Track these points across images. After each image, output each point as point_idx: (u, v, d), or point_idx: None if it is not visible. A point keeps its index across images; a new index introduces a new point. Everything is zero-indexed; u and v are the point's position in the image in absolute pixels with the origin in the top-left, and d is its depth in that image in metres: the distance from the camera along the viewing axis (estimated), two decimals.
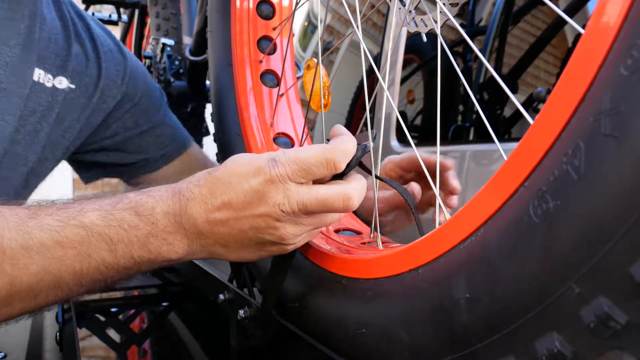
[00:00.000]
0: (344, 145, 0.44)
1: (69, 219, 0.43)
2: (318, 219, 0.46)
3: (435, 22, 0.44)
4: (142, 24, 1.53)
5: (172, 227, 0.44)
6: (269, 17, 0.73)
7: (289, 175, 0.43)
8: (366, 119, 0.51)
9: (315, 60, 0.57)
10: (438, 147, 0.44)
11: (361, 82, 1.30)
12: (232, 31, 0.72)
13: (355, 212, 0.62)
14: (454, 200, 0.67)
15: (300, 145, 0.67)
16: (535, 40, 0.83)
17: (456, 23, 0.40)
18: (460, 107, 0.96)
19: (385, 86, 0.48)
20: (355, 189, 0.45)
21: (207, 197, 0.44)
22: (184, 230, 0.44)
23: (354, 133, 0.47)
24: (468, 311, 0.31)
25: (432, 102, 1.06)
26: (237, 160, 0.46)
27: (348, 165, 0.45)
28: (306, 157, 0.43)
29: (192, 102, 1.26)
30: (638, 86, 0.22)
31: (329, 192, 0.44)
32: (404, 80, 1.10)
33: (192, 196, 0.45)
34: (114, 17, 1.67)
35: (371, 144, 0.47)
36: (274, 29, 0.73)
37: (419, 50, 1.10)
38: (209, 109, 0.83)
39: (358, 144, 0.46)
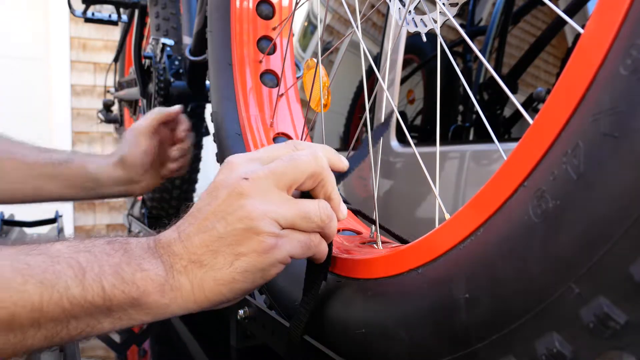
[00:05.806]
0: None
1: (32, 250, 0.39)
2: (296, 206, 0.43)
3: (435, 22, 0.44)
4: (142, 24, 1.53)
5: (147, 255, 0.42)
6: (268, 17, 0.74)
7: (262, 157, 0.44)
8: (366, 118, 0.51)
9: (315, 60, 0.57)
10: (438, 147, 0.44)
11: (361, 82, 1.30)
12: (232, 31, 0.72)
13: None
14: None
15: None
16: (535, 40, 0.83)
17: (456, 23, 0.40)
18: (460, 107, 0.96)
19: (385, 86, 0.48)
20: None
21: (179, 222, 0.44)
22: (160, 255, 0.42)
23: (353, 133, 0.47)
24: (468, 311, 0.31)
25: (432, 102, 1.06)
26: None
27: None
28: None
29: (192, 102, 1.26)
30: (637, 86, 0.22)
31: (303, 158, 0.43)
32: (404, 80, 1.10)
33: (164, 230, 0.45)
34: (114, 17, 1.67)
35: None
36: (274, 29, 0.73)
37: (419, 50, 1.10)
38: (209, 109, 0.83)
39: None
